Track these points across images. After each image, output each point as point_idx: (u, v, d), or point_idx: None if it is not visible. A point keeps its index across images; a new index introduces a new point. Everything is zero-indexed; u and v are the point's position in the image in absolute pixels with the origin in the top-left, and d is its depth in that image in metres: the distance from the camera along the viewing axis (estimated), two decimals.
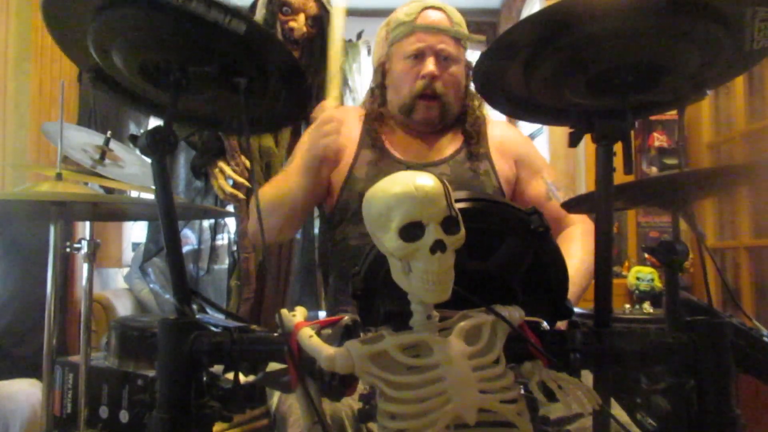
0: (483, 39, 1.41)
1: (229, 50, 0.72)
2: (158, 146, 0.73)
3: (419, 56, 1.31)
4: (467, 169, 1.33)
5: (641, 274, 2.54)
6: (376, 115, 1.39)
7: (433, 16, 1.33)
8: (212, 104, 0.85)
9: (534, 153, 1.43)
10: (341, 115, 1.43)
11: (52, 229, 1.36)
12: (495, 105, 0.88)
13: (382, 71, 1.42)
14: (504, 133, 1.42)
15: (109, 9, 0.68)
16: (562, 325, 0.73)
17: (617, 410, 1.03)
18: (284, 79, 0.80)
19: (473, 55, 1.22)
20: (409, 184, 0.56)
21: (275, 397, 1.13)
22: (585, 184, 2.82)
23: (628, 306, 2.30)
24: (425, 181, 0.57)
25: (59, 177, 1.49)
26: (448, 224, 0.57)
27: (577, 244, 1.27)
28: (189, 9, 0.66)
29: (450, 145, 1.37)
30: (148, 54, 0.73)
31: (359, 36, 3.31)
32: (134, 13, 0.68)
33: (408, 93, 1.33)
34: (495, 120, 1.47)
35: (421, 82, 1.31)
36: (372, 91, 1.44)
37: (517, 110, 0.86)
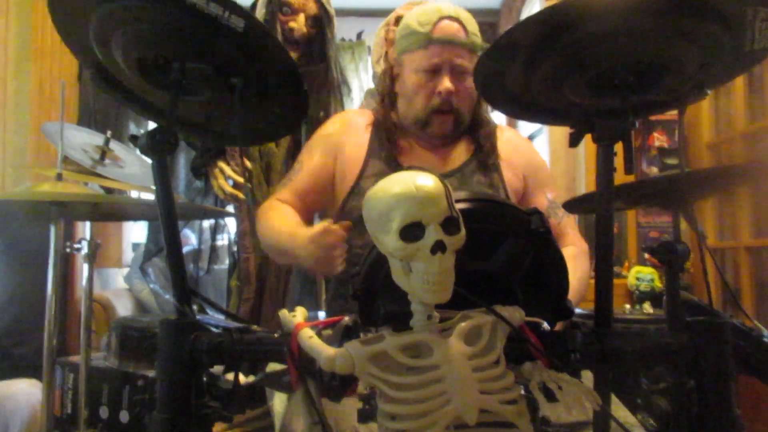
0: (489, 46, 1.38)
1: (226, 47, 0.72)
2: (158, 146, 0.73)
3: (435, 71, 1.27)
4: (475, 182, 1.32)
5: (641, 275, 2.54)
6: (386, 123, 1.36)
7: (450, 29, 1.27)
8: (210, 110, 0.85)
9: (541, 166, 1.42)
10: (350, 118, 1.41)
11: (52, 229, 1.36)
12: (495, 105, 0.88)
13: (391, 76, 1.39)
14: (514, 142, 1.40)
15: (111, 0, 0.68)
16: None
17: (622, 410, 1.03)
18: (281, 81, 0.80)
19: None
20: (409, 185, 0.56)
21: (277, 401, 1.12)
22: (585, 184, 2.81)
23: (628, 306, 2.30)
24: (426, 181, 0.57)
25: (59, 177, 1.49)
26: (449, 225, 0.57)
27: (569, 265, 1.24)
28: (189, 2, 0.66)
29: (460, 156, 1.35)
30: (147, 48, 0.73)
31: (359, 36, 3.30)
32: (134, 5, 0.68)
33: (423, 108, 1.30)
34: (504, 126, 1.45)
35: (438, 99, 1.28)
36: (382, 97, 1.41)
37: (517, 110, 0.86)
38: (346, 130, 1.36)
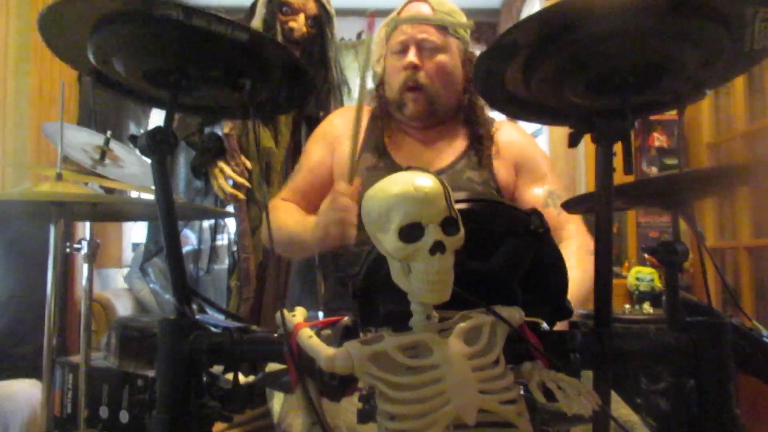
0: (471, 24, 1.39)
1: (231, 57, 0.73)
2: (158, 146, 0.73)
3: (402, 50, 1.31)
4: (466, 179, 1.31)
5: (641, 275, 2.54)
6: (380, 115, 1.37)
7: (415, 8, 1.33)
8: (214, 99, 0.85)
9: (538, 159, 1.39)
10: (347, 114, 1.40)
11: (52, 229, 1.36)
12: (495, 105, 0.88)
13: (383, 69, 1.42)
14: (510, 137, 1.39)
15: (108, 24, 0.68)
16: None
17: (624, 408, 1.03)
18: (287, 75, 0.80)
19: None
20: (408, 185, 0.56)
21: (277, 401, 1.12)
22: (585, 184, 2.82)
23: (628, 306, 2.31)
24: (425, 181, 0.57)
25: (59, 177, 1.49)
26: (448, 225, 0.57)
27: (571, 262, 1.12)
28: (190, 24, 0.66)
29: (453, 150, 1.35)
30: (150, 63, 0.73)
31: (359, 36, 3.30)
32: (135, 29, 0.68)
33: (397, 88, 1.33)
34: (503, 121, 1.44)
35: (404, 74, 1.30)
36: (376, 90, 1.43)
37: (516, 110, 0.86)
38: (343, 126, 1.36)
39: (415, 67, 1.29)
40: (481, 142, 1.35)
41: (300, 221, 1.26)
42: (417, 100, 1.31)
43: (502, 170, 1.34)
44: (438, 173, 1.28)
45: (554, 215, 1.28)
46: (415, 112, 1.32)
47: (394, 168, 1.27)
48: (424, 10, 1.32)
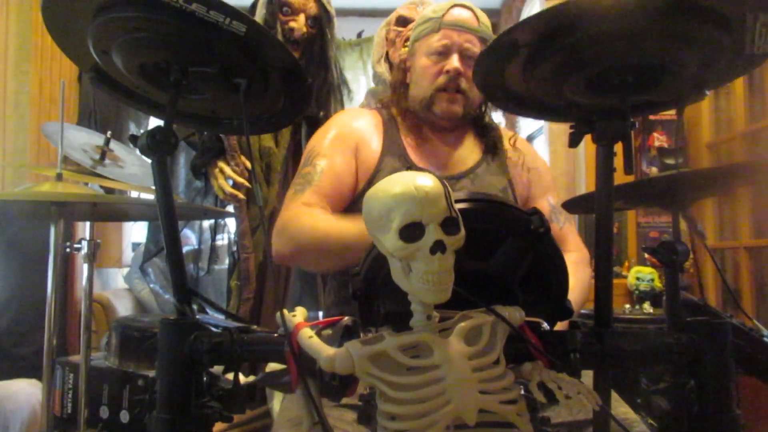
0: None
1: (229, 51, 0.72)
2: (158, 146, 0.72)
3: (444, 53, 1.29)
4: (487, 183, 1.31)
5: (641, 274, 2.54)
6: (400, 114, 1.36)
7: (461, 15, 1.31)
8: (212, 104, 0.85)
9: (544, 171, 1.42)
10: (360, 119, 1.37)
11: (52, 229, 1.36)
12: (495, 102, 0.88)
13: (403, 69, 1.39)
14: (519, 146, 1.41)
15: (109, 10, 0.68)
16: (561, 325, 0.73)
17: (623, 406, 1.03)
18: (284, 78, 0.80)
19: None
20: (409, 185, 0.56)
21: (277, 401, 1.12)
22: (585, 184, 2.82)
23: (628, 306, 2.31)
24: (425, 181, 0.57)
25: (59, 177, 1.49)
26: (448, 225, 0.57)
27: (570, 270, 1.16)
28: (189, 10, 0.66)
29: (471, 155, 1.35)
30: (148, 55, 0.73)
31: (359, 35, 3.31)
32: (134, 15, 0.68)
33: (429, 87, 1.30)
34: (508, 130, 1.45)
35: (444, 78, 1.28)
36: (393, 88, 1.41)
37: (517, 107, 0.86)
38: (360, 131, 1.33)
39: (458, 73, 1.27)
40: (496, 147, 1.35)
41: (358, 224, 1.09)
42: (453, 100, 1.30)
43: (518, 178, 1.35)
44: (460, 177, 1.30)
45: (557, 229, 1.30)
46: (448, 111, 1.30)
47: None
48: (470, 18, 1.31)
